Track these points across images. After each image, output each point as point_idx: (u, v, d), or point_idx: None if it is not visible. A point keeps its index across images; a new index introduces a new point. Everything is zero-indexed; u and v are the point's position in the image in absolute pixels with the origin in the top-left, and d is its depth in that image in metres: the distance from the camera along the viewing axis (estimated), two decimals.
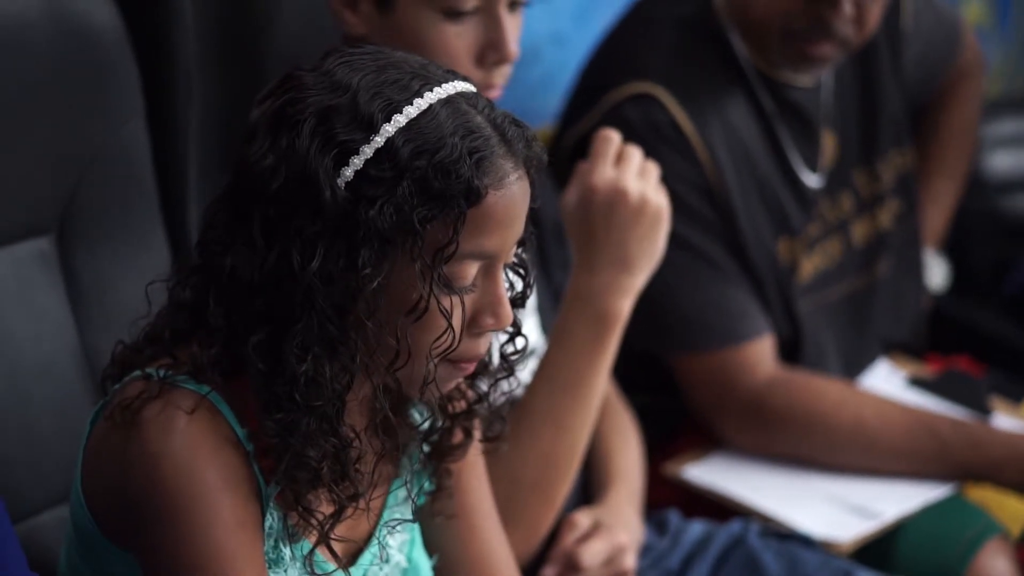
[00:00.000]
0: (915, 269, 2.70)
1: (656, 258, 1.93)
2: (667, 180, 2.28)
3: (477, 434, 1.64)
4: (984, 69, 2.93)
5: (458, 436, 1.62)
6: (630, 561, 1.98)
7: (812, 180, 2.46)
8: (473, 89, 1.48)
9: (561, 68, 2.73)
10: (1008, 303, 3.14)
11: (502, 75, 1.90)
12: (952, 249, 3.34)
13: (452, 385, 1.52)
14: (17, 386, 1.79)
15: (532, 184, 1.48)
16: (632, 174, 1.90)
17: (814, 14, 2.30)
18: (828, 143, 2.50)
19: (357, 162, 1.41)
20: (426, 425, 1.61)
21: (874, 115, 2.55)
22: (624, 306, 1.91)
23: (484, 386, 1.60)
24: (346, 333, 1.43)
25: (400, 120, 1.42)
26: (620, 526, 2.01)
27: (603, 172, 1.90)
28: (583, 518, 1.99)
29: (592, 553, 1.95)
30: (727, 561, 2.17)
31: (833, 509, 2.29)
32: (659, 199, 1.91)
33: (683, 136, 2.31)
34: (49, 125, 1.84)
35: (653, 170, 1.92)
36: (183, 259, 1.54)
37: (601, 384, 1.91)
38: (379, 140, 1.41)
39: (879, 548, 2.29)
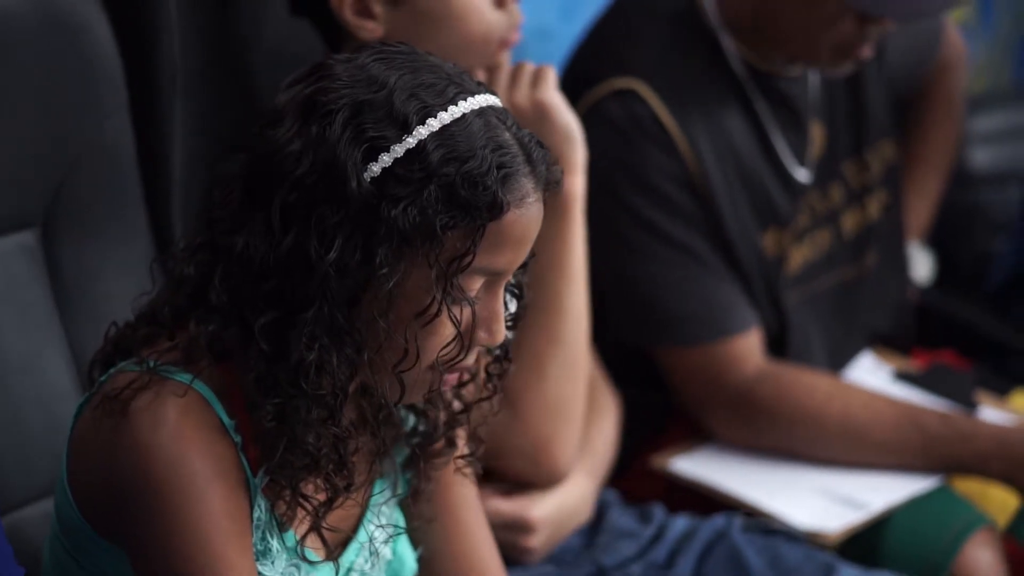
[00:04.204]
0: (900, 261, 2.70)
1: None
2: (650, 175, 2.30)
3: (460, 443, 1.64)
4: (965, 62, 2.94)
5: (440, 444, 1.62)
6: (532, 541, 2.01)
7: (800, 170, 2.47)
8: (502, 105, 1.49)
9: (546, 63, 2.73)
10: (992, 297, 3.14)
11: (519, 13, 1.94)
12: (936, 243, 3.35)
13: (432, 392, 1.53)
14: (1, 380, 1.79)
15: (545, 207, 1.49)
16: (545, 86, 1.96)
17: (865, 31, 2.32)
18: (817, 134, 2.50)
19: (386, 159, 1.42)
20: (410, 426, 1.62)
21: (862, 105, 2.56)
22: (577, 182, 1.97)
23: (468, 397, 1.61)
24: (353, 325, 1.43)
25: (434, 124, 1.43)
26: (560, 500, 2.04)
27: (520, 93, 1.96)
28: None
29: (494, 510, 1.99)
30: (710, 555, 2.17)
31: (821, 500, 2.29)
32: (562, 100, 1.98)
33: (664, 131, 2.32)
34: (33, 119, 1.84)
35: (548, 73, 1.99)
36: (189, 235, 1.54)
37: (582, 258, 1.99)
38: (411, 141, 1.42)
39: (866, 540, 2.29)
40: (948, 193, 3.06)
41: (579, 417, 2.01)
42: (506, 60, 1.97)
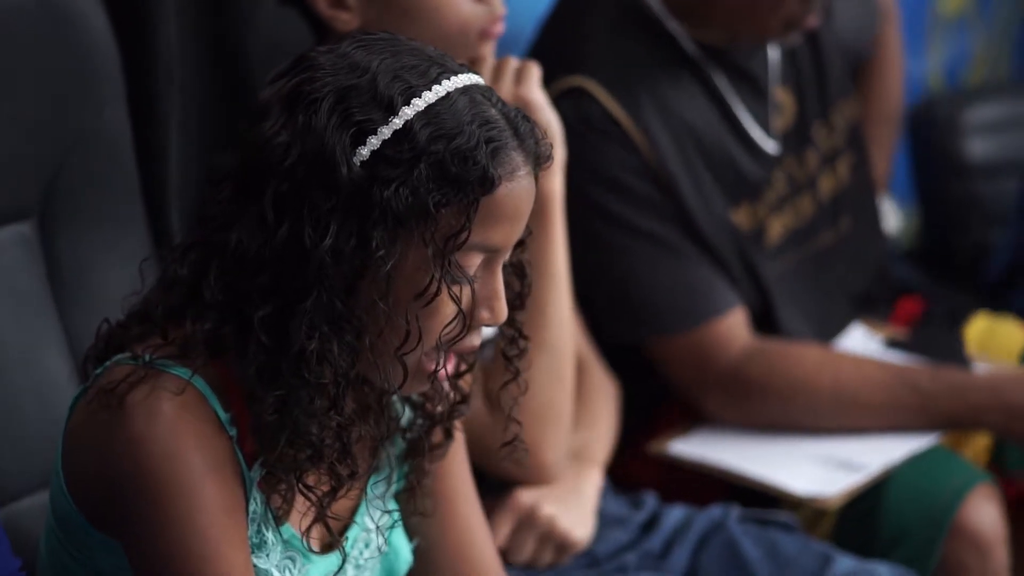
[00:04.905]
0: (873, 220, 2.71)
1: None
2: (611, 170, 2.31)
3: (458, 435, 1.64)
4: (896, 10, 2.97)
5: (438, 436, 1.62)
6: (544, 509, 2.03)
7: (768, 141, 2.48)
8: (485, 84, 1.49)
9: None
10: (989, 288, 3.15)
11: (501, 5, 1.93)
12: (933, 235, 3.35)
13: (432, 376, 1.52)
14: None
15: (536, 181, 1.49)
16: (528, 82, 1.95)
17: (809, 3, 2.34)
18: (786, 101, 2.51)
19: (374, 142, 1.42)
20: (407, 419, 1.62)
21: (822, 67, 2.57)
22: (555, 183, 1.98)
23: (467, 388, 1.61)
24: (353, 312, 1.43)
25: (419, 104, 1.43)
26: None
27: (502, 88, 1.95)
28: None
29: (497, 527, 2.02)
30: (707, 545, 2.18)
31: (819, 468, 2.30)
32: (544, 98, 1.98)
33: (617, 125, 2.32)
34: (30, 110, 1.84)
35: (531, 69, 1.97)
36: (181, 235, 1.54)
37: (564, 260, 1.99)
38: (397, 122, 1.42)
39: (866, 502, 2.30)
40: (945, 184, 3.07)
41: (566, 420, 2.02)
42: (490, 53, 1.96)
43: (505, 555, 2.03)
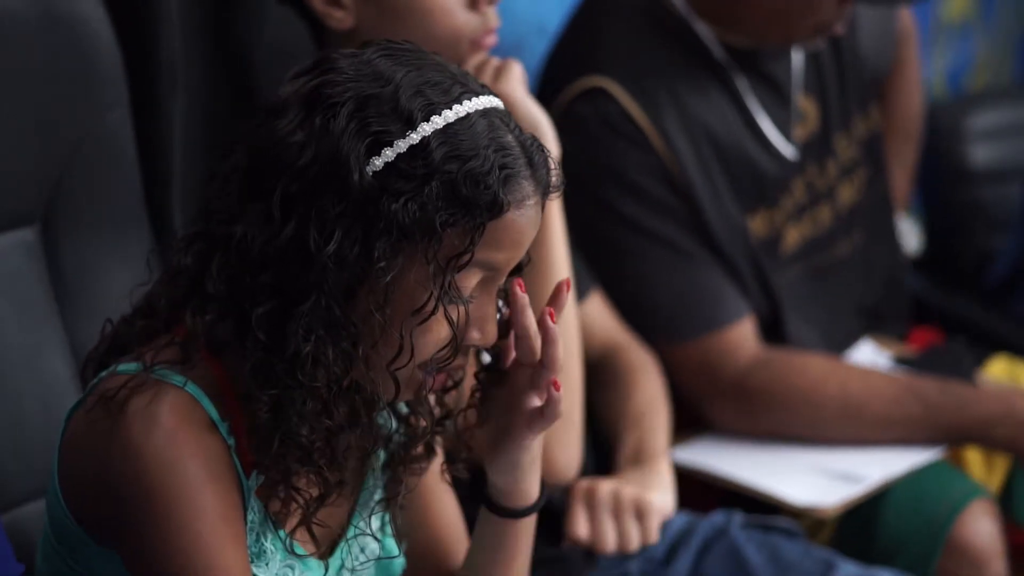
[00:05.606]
0: (887, 234, 2.71)
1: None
2: (627, 172, 2.31)
3: (439, 450, 1.64)
4: (915, 33, 2.96)
5: (419, 451, 1.62)
6: (606, 486, 2.01)
7: (788, 146, 2.47)
8: (504, 107, 1.49)
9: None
10: (993, 293, 3.15)
11: (495, 18, 1.92)
12: (936, 241, 3.35)
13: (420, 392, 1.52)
14: (1, 376, 1.78)
15: (543, 210, 1.49)
16: (507, 79, 1.92)
17: (842, 11, 2.35)
18: (809, 109, 2.50)
19: (389, 154, 1.42)
20: (392, 430, 1.62)
21: (844, 78, 2.57)
22: None
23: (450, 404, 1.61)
24: (350, 319, 1.43)
25: (438, 122, 1.43)
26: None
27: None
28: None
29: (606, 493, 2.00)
30: (710, 552, 2.18)
31: (819, 478, 2.30)
32: (526, 93, 1.95)
33: (636, 127, 2.32)
34: (33, 115, 1.84)
35: (511, 67, 1.94)
36: (188, 226, 1.53)
37: (564, 259, 1.96)
38: (415, 137, 1.42)
39: (864, 512, 2.30)
40: (949, 190, 3.06)
41: (576, 418, 2.00)
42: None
43: (594, 547, 2.00)
